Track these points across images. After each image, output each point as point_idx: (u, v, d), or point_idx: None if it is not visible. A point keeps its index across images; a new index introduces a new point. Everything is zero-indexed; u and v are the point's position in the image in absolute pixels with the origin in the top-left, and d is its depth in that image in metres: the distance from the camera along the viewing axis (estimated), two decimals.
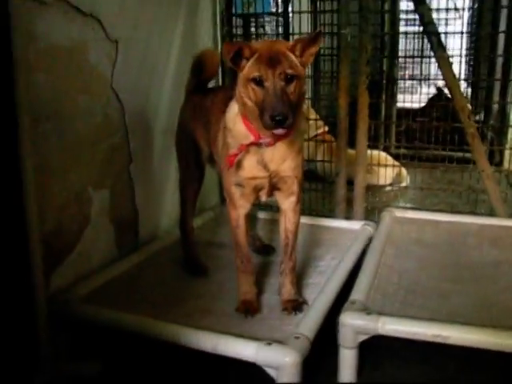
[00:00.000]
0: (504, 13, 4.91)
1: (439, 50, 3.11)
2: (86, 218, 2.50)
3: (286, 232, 2.30)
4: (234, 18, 3.66)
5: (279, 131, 1.92)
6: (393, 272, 2.59)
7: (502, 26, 4.99)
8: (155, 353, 2.29)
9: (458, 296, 2.37)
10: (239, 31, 3.95)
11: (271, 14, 4.11)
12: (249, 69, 1.96)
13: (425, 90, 7.37)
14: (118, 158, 2.70)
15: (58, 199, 2.32)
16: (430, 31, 3.12)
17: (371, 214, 3.56)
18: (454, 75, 3.15)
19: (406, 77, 6.97)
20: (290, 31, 3.83)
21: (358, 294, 2.29)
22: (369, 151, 3.67)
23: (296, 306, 2.25)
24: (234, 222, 2.25)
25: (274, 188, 2.22)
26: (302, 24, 3.60)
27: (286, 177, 2.19)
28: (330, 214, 3.53)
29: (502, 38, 5.06)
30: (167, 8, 3.01)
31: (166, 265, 2.75)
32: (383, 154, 4.31)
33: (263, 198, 2.26)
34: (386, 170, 4.14)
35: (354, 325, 2.07)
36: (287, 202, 2.28)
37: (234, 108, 2.13)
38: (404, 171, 4.42)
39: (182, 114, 2.72)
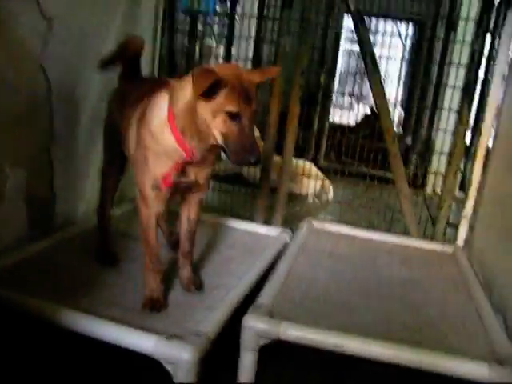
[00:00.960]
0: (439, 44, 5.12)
1: (372, 69, 3.21)
2: (0, 195, 2.42)
3: (189, 221, 2.38)
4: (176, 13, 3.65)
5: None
6: (302, 281, 2.64)
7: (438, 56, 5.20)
8: (57, 340, 2.24)
9: (363, 310, 2.43)
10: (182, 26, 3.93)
11: (216, 14, 4.13)
12: (224, 100, 1.87)
13: (361, 108, 7.56)
14: (38, 137, 2.63)
15: None
16: (366, 51, 3.21)
17: (290, 223, 3.61)
18: (384, 96, 3.25)
19: (346, 92, 7.11)
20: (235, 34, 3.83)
21: (264, 298, 2.32)
22: (296, 160, 3.74)
23: (197, 284, 2.42)
24: (144, 221, 2.23)
25: (187, 189, 2.26)
26: (248, 27, 3.63)
27: (202, 183, 2.24)
28: (250, 218, 3.57)
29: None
30: None
31: (78, 251, 2.69)
32: (309, 165, 4.39)
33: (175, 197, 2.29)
34: (311, 181, 4.21)
35: (256, 327, 2.09)
36: (196, 197, 2.34)
37: (160, 112, 2.06)
38: (328, 184, 4.50)
39: (109, 102, 2.66)
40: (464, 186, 4.80)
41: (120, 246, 2.78)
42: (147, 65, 3.44)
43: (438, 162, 4.14)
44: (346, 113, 5.90)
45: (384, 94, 3.25)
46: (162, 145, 2.06)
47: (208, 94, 1.86)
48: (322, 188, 4.42)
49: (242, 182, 4.16)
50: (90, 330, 2.00)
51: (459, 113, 3.39)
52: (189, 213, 2.37)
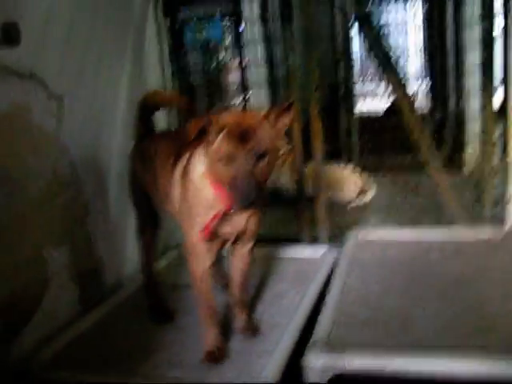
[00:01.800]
0: None
1: (387, 70, 3.13)
2: (46, 279, 2.47)
3: (241, 272, 2.39)
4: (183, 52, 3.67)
5: None
6: (356, 301, 2.60)
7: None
8: None
9: (422, 321, 2.38)
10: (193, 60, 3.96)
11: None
12: (218, 145, 1.90)
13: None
14: (73, 213, 2.68)
15: (10, 268, 2.29)
16: (376, 53, 3.13)
17: (336, 233, 3.58)
18: (405, 93, 3.17)
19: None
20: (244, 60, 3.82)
21: (320, 333, 2.29)
22: (331, 167, 3.70)
23: (253, 329, 2.43)
24: (198, 276, 2.25)
25: (238, 238, 2.26)
26: (255, 52, 3.60)
27: (252, 230, 2.24)
28: (294, 237, 3.55)
29: None
30: (112, 53, 2.98)
31: (131, 314, 2.73)
32: (346, 168, 4.34)
33: (227, 247, 2.30)
34: (350, 185, 4.16)
35: (316, 365, 2.08)
36: (246, 248, 2.34)
37: (199, 167, 2.09)
38: (368, 183, 4.44)
39: (130, 160, 2.71)
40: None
41: (172, 298, 2.80)
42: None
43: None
44: (372, 101, 5.64)
45: (404, 90, 3.17)
46: (204, 198, 2.09)
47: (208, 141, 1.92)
48: (362, 189, 4.36)
49: (281, 197, 4.13)
50: None
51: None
52: (241, 264, 2.37)
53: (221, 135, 1.89)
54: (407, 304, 2.54)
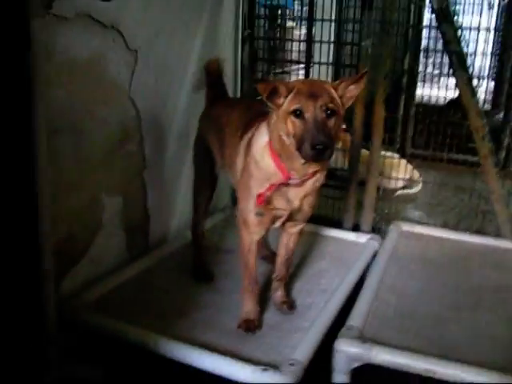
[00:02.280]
0: None
1: (459, 69, 3.09)
2: (99, 224, 2.57)
3: (287, 249, 2.46)
4: (256, 20, 3.66)
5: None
6: (392, 294, 2.64)
7: None
8: (154, 364, 2.38)
9: (455, 325, 2.42)
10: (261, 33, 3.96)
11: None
12: (288, 103, 1.97)
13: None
14: (132, 165, 2.76)
15: (72, 208, 2.39)
16: (452, 50, 3.09)
17: (380, 221, 3.61)
18: (473, 95, 3.13)
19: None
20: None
21: (355, 319, 2.34)
22: (384, 154, 3.67)
23: (290, 305, 2.48)
24: (246, 247, 2.31)
25: (290, 218, 2.30)
26: (324, 30, 3.56)
27: (305, 210, 2.27)
28: (340, 220, 3.58)
29: None
30: (190, 13, 3.01)
31: (174, 270, 2.83)
32: (397, 158, 4.31)
33: (277, 225, 2.33)
34: (399, 174, 4.14)
35: (348, 352, 2.13)
36: (297, 227, 2.40)
37: (262, 139, 2.15)
38: (417, 174, 4.41)
39: (200, 123, 2.78)
40: None
41: (214, 261, 2.89)
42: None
43: None
44: (434, 89, 5.43)
45: (472, 93, 3.12)
46: (263, 169, 2.14)
47: (277, 104, 1.99)
48: (411, 180, 4.34)
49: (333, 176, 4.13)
50: (186, 358, 2.11)
51: None
52: (288, 241, 2.44)
53: (292, 94, 1.96)
54: (442, 307, 2.56)
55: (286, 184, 2.13)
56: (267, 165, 2.12)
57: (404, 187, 4.37)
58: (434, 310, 2.54)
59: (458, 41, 3.09)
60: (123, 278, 2.66)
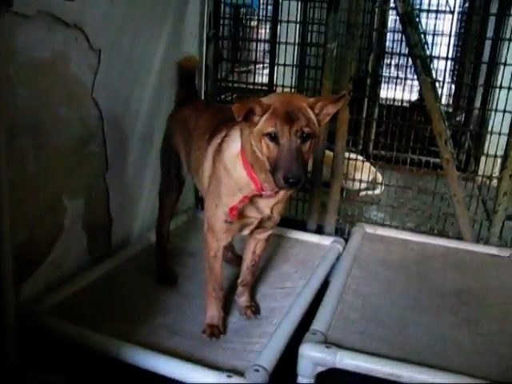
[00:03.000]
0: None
1: (423, 74, 3.13)
2: (60, 227, 2.51)
3: (254, 255, 2.44)
4: (221, 20, 3.63)
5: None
6: (356, 297, 2.66)
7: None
8: (117, 370, 2.34)
9: (418, 329, 2.45)
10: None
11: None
12: (263, 124, 1.89)
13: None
14: (94, 167, 2.70)
15: (33, 211, 2.33)
16: (416, 54, 3.12)
17: (343, 223, 3.64)
18: (436, 100, 3.17)
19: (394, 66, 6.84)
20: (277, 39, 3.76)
21: (319, 323, 2.34)
22: (348, 155, 3.69)
23: (254, 310, 2.48)
24: (212, 252, 2.27)
25: (259, 225, 2.26)
26: (289, 31, 3.56)
27: (275, 218, 2.24)
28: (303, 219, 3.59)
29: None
30: (154, 12, 2.96)
31: (136, 273, 2.78)
32: (360, 159, 4.34)
33: (245, 233, 2.30)
34: (362, 175, 4.17)
35: (312, 357, 2.13)
36: (265, 234, 2.38)
37: (233, 146, 2.09)
38: (379, 176, 4.45)
39: (168, 124, 2.73)
40: None
41: (177, 263, 2.87)
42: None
43: (491, 144, 3.96)
44: (397, 91, 5.42)
45: (436, 97, 3.16)
46: (235, 179, 2.09)
47: (253, 121, 1.91)
48: (373, 181, 4.38)
49: None
50: (149, 365, 2.07)
51: None
52: (255, 248, 2.42)
53: (267, 114, 1.89)
54: (406, 310, 2.59)
55: (259, 195, 2.10)
56: (239, 175, 2.07)
57: (367, 189, 4.39)
58: (398, 312, 2.57)
59: (422, 45, 3.12)
60: (85, 281, 2.60)
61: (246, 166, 2.04)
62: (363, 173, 4.26)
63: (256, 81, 4.63)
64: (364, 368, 2.12)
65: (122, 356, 2.12)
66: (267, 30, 4.69)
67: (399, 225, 3.66)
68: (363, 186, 4.29)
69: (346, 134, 3.35)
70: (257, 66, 4.97)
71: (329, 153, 3.60)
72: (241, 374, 1.99)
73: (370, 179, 4.35)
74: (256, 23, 4.95)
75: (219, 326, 2.32)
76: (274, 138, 1.87)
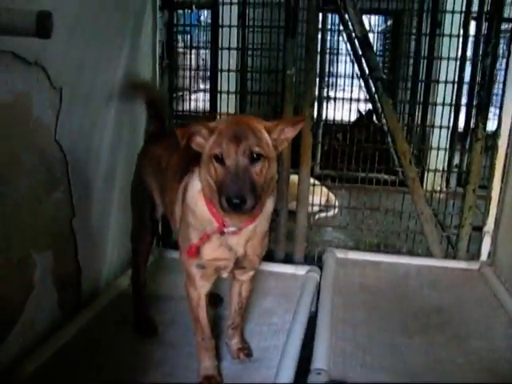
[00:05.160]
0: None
1: (383, 95, 3.14)
2: (30, 285, 2.28)
3: (240, 298, 2.31)
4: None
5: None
6: (346, 327, 2.60)
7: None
8: None
9: (410, 351, 2.43)
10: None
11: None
12: (210, 146, 1.79)
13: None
14: (60, 214, 2.48)
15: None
16: (376, 76, 3.13)
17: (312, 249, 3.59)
18: (397, 120, 3.19)
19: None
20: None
21: (320, 361, 2.26)
22: (295, 176, 3.62)
23: (247, 352, 2.36)
24: (194, 302, 2.12)
25: (237, 266, 2.11)
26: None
27: (251, 258, 2.09)
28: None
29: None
30: (111, 44, 2.79)
31: (112, 325, 2.57)
32: (312, 182, 4.31)
33: (225, 275, 2.15)
34: (314, 196, 4.12)
35: None
36: (246, 275, 2.25)
37: (195, 184, 1.96)
38: (332, 197, 4.45)
39: (138, 162, 2.55)
40: (460, 182, 4.80)
41: (154, 311, 2.67)
42: None
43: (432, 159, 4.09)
44: (341, 107, 5.36)
45: (397, 117, 3.18)
46: (198, 217, 1.96)
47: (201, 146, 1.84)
48: (327, 203, 4.37)
49: None
50: None
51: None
52: (240, 289, 2.29)
53: (214, 135, 1.80)
54: (394, 335, 2.57)
55: (221, 233, 1.96)
56: (201, 212, 1.94)
57: (320, 211, 4.38)
58: (388, 338, 2.54)
59: (382, 68, 3.14)
60: (61, 341, 2.36)
61: (207, 202, 1.92)
62: (315, 195, 4.22)
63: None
64: None
65: None
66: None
67: (362, 246, 3.66)
68: (316, 209, 4.26)
69: (311, 160, 3.29)
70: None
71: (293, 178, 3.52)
72: None
73: (324, 201, 4.33)
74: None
75: (215, 376, 2.16)
76: (220, 159, 1.76)
